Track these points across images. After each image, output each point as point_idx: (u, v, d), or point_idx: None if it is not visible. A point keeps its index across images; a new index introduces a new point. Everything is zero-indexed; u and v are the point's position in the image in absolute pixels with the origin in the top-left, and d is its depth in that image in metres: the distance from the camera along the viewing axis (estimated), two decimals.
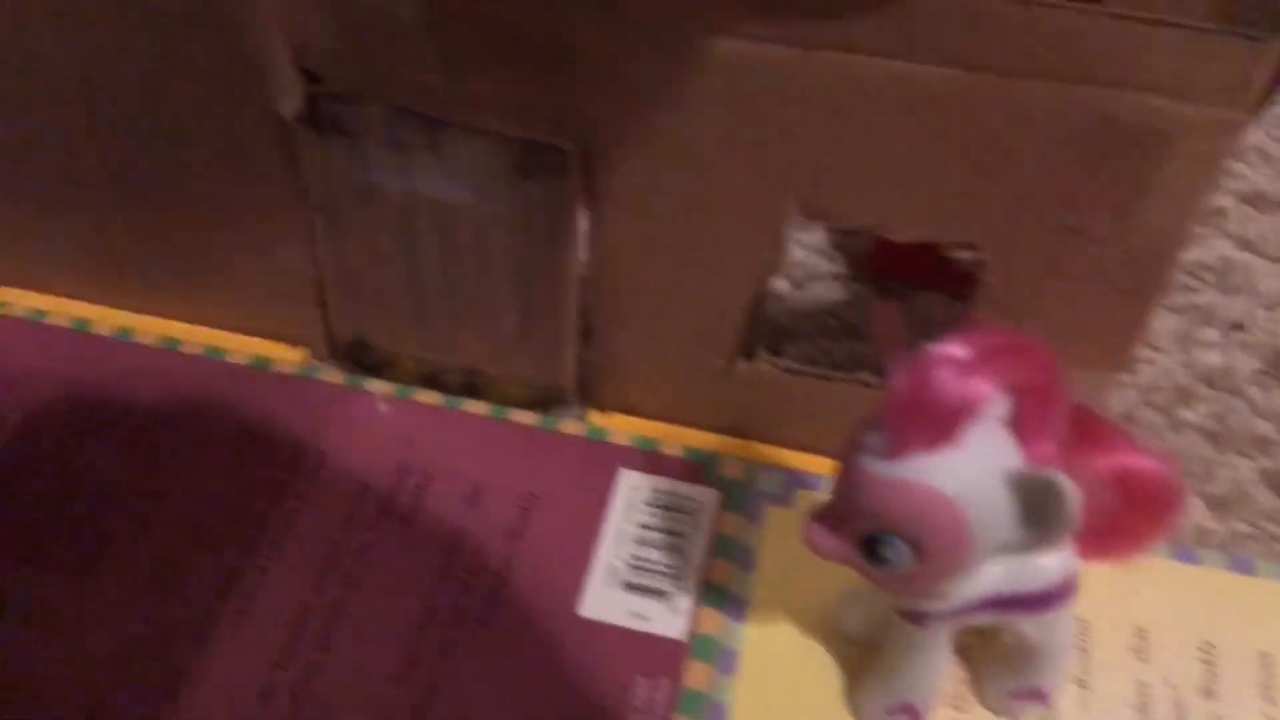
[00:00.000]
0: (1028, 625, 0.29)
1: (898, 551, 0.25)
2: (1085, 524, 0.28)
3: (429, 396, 0.38)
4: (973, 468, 0.24)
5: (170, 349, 0.39)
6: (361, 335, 0.38)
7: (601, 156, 0.31)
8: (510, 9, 0.28)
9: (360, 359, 0.39)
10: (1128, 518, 0.28)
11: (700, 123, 0.29)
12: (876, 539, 0.25)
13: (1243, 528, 0.38)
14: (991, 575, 0.27)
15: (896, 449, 0.24)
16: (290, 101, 0.32)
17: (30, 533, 0.34)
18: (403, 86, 0.30)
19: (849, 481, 0.25)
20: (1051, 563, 0.28)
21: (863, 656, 0.32)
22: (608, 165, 0.31)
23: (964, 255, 0.31)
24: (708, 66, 0.28)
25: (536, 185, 0.32)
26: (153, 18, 0.31)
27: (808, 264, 0.45)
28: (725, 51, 0.28)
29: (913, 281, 0.43)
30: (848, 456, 0.25)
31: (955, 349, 0.24)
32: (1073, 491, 0.23)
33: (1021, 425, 0.25)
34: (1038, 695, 0.32)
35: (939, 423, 0.24)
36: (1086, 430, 0.28)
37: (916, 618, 0.28)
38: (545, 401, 0.38)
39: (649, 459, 0.37)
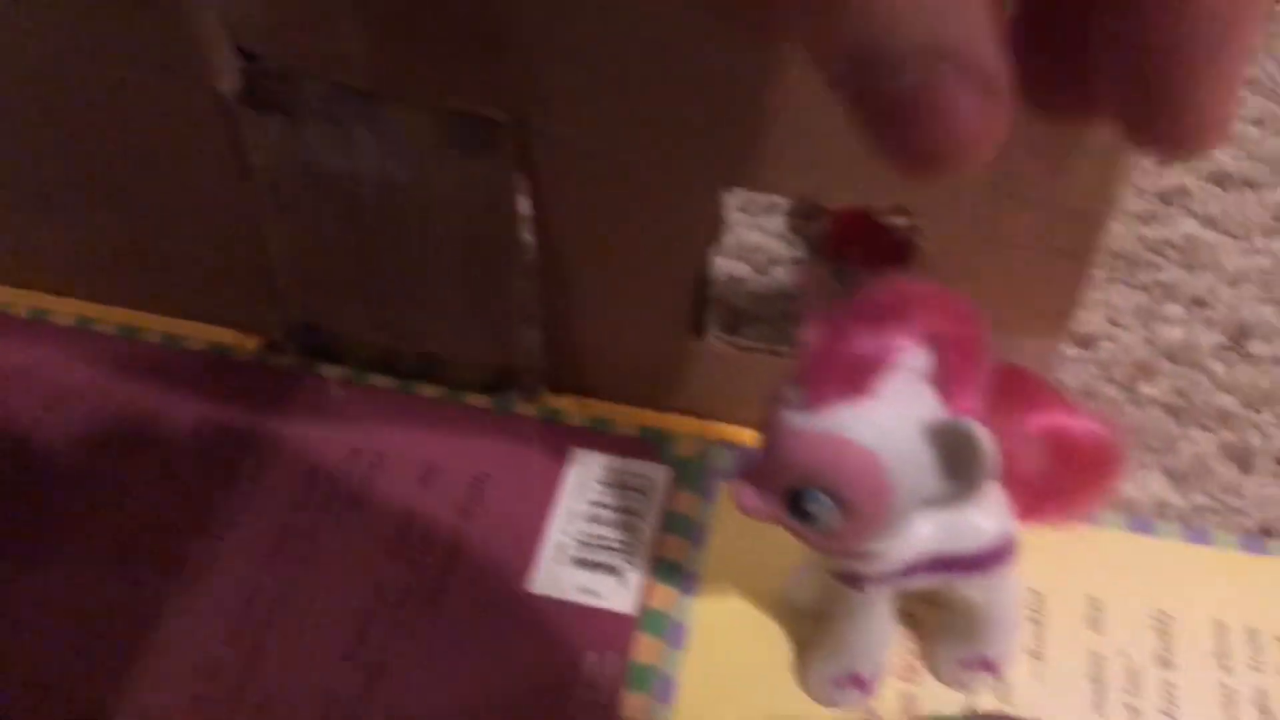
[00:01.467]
0: (970, 589, 0.29)
1: (821, 505, 0.24)
2: (1021, 484, 0.28)
3: (383, 380, 0.38)
4: (889, 418, 0.24)
5: (129, 337, 0.40)
6: (314, 320, 0.38)
7: (536, 130, 0.31)
8: None
9: (314, 344, 0.39)
10: (1062, 478, 0.28)
11: (634, 91, 0.30)
12: (800, 494, 0.25)
13: (1202, 500, 0.38)
14: (924, 535, 0.27)
15: (813, 402, 0.24)
16: (229, 80, 0.32)
17: None
18: (336, 61, 0.30)
19: (770, 437, 0.25)
20: (986, 523, 0.28)
21: (813, 630, 0.32)
22: (542, 139, 0.31)
23: (900, 222, 0.31)
24: (635, 32, 0.28)
25: (474, 161, 0.32)
26: None
27: (768, 248, 0.45)
28: (649, 13, 0.28)
29: (870, 263, 0.43)
30: (770, 413, 0.25)
31: (869, 301, 0.24)
32: (988, 439, 0.23)
33: (943, 378, 0.25)
34: (987, 665, 0.31)
35: (853, 374, 0.24)
36: (1021, 390, 0.28)
37: (854, 581, 0.28)
38: (499, 384, 0.38)
39: (602, 439, 0.37)
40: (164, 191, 0.36)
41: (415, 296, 0.36)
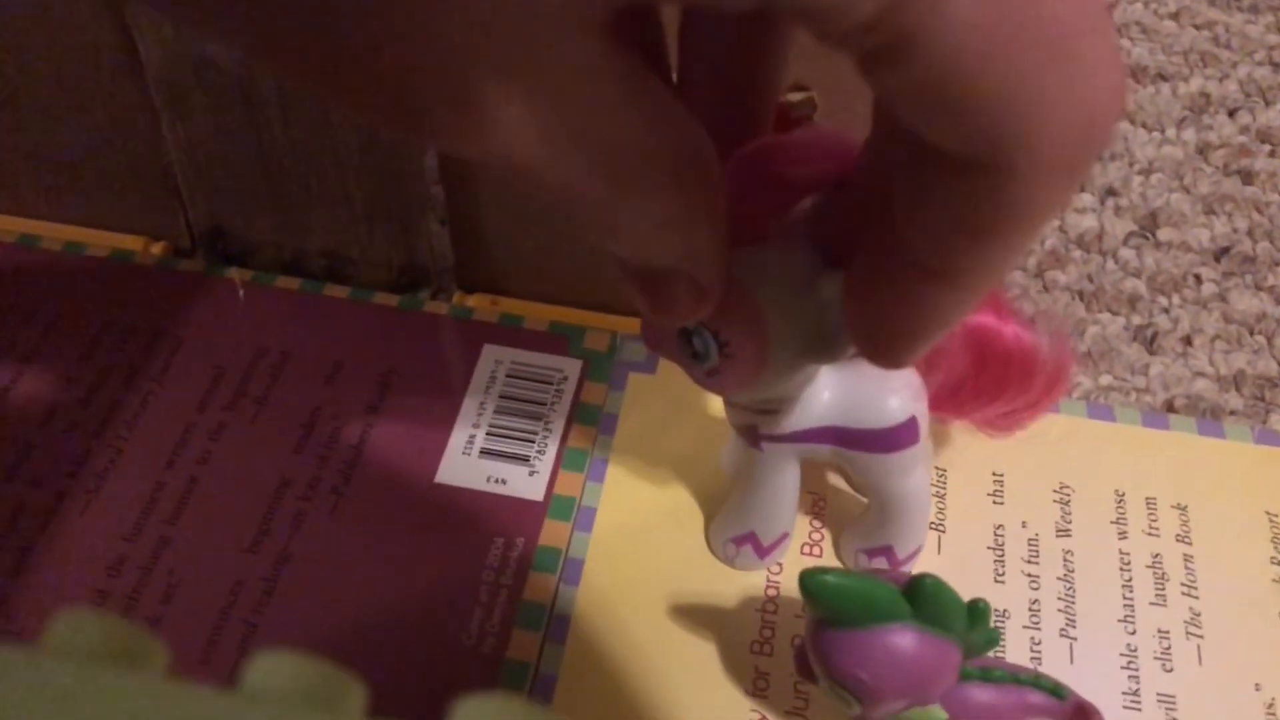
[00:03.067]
0: (871, 470, 0.29)
1: (704, 342, 0.24)
2: (935, 378, 0.28)
3: (289, 282, 0.38)
4: (773, 264, 0.24)
5: (28, 245, 0.39)
6: (219, 223, 0.38)
7: None
8: None
9: (221, 248, 0.39)
10: (980, 377, 0.28)
11: None
12: (689, 332, 0.25)
13: (1109, 380, 0.38)
14: (823, 402, 0.27)
15: None
16: None
17: None
18: None
19: None
20: (893, 402, 0.28)
21: (716, 508, 0.32)
22: None
23: (797, 97, 0.31)
24: None
25: None
26: None
27: None
28: None
29: None
30: None
31: (770, 144, 0.24)
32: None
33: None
34: (888, 555, 0.31)
35: (742, 218, 0.24)
36: None
37: (754, 438, 0.28)
38: (408, 283, 0.38)
39: (513, 334, 0.37)
40: (55, 92, 0.35)
41: (319, 194, 0.36)
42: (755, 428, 0.28)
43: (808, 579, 0.24)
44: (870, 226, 0.20)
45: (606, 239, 0.18)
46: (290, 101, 0.33)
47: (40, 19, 0.33)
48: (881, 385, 0.28)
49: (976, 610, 0.25)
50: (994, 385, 0.28)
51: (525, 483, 0.33)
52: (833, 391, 0.28)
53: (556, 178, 0.16)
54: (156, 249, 0.39)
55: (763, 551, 0.31)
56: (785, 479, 0.30)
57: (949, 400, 0.29)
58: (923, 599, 0.24)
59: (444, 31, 0.13)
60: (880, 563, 0.31)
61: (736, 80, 0.21)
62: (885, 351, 0.20)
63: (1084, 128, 0.15)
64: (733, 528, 0.31)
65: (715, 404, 0.35)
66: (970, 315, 0.27)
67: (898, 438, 0.28)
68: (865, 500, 0.31)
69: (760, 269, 0.24)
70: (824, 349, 0.24)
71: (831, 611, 0.25)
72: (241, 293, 0.38)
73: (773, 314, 0.24)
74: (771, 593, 0.31)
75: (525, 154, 0.15)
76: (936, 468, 0.34)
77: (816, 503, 0.33)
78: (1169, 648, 0.31)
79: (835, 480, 0.33)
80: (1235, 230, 0.42)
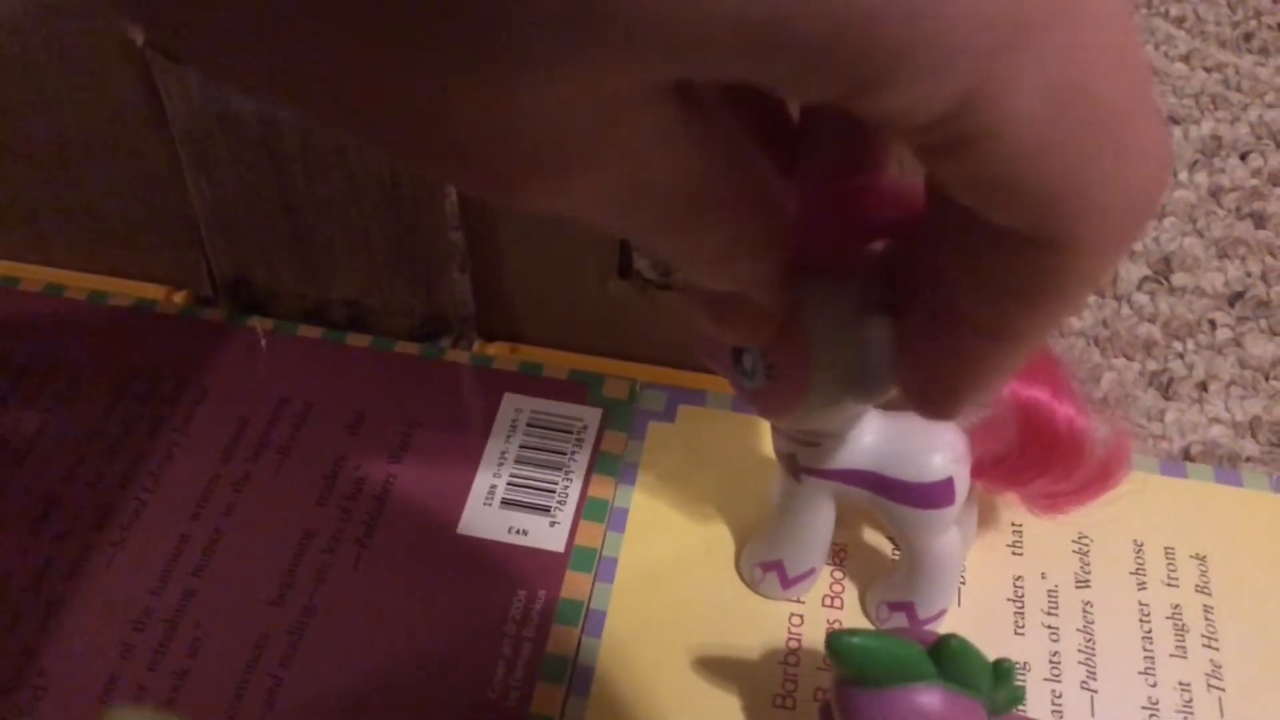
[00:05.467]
0: (905, 521, 0.29)
1: (752, 362, 0.25)
2: (985, 446, 0.29)
3: (311, 331, 0.38)
4: (828, 296, 0.24)
5: (54, 295, 0.39)
6: (242, 273, 0.38)
7: None
8: None
9: (243, 297, 0.39)
10: (1025, 450, 0.29)
11: None
12: (741, 349, 0.25)
13: (1125, 427, 0.38)
14: (865, 445, 0.28)
15: None
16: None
17: None
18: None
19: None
20: (935, 459, 0.28)
21: (738, 556, 0.33)
22: None
23: None
24: None
25: None
26: None
27: None
28: None
29: None
30: None
31: (845, 187, 0.24)
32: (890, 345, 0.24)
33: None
34: (909, 611, 0.31)
35: (803, 248, 0.24)
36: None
37: (793, 468, 0.29)
38: (429, 332, 0.38)
39: (533, 383, 0.37)
40: (85, 147, 0.36)
41: (341, 246, 0.36)
42: (796, 458, 0.28)
43: (835, 640, 0.24)
44: (927, 278, 0.20)
45: (673, 262, 0.19)
46: (313, 155, 0.34)
47: (68, 75, 0.34)
48: (926, 441, 0.28)
49: (1001, 670, 0.25)
50: (1038, 462, 0.29)
51: (546, 533, 0.34)
52: (876, 437, 0.28)
53: (630, 224, 0.16)
54: (179, 298, 0.39)
55: (787, 582, 0.31)
56: (820, 514, 0.30)
57: (993, 470, 0.29)
58: (949, 659, 0.25)
59: (532, 114, 0.13)
60: (900, 618, 0.31)
61: (845, 133, 0.22)
62: (931, 400, 0.20)
63: (1135, 204, 0.15)
64: (762, 553, 0.32)
65: (735, 454, 0.35)
66: (1026, 388, 0.28)
67: (934, 495, 0.28)
68: (895, 554, 0.32)
69: (814, 299, 0.24)
70: (865, 387, 0.25)
71: (858, 672, 0.25)
72: (264, 342, 0.38)
73: (819, 344, 0.24)
74: (793, 644, 0.32)
75: (601, 209, 0.16)
76: None
77: (839, 554, 0.33)
78: (1190, 700, 0.31)
79: (864, 534, 0.34)
80: (1249, 274, 0.42)
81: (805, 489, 0.29)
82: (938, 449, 0.28)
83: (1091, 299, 0.42)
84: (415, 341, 0.38)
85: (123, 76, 0.33)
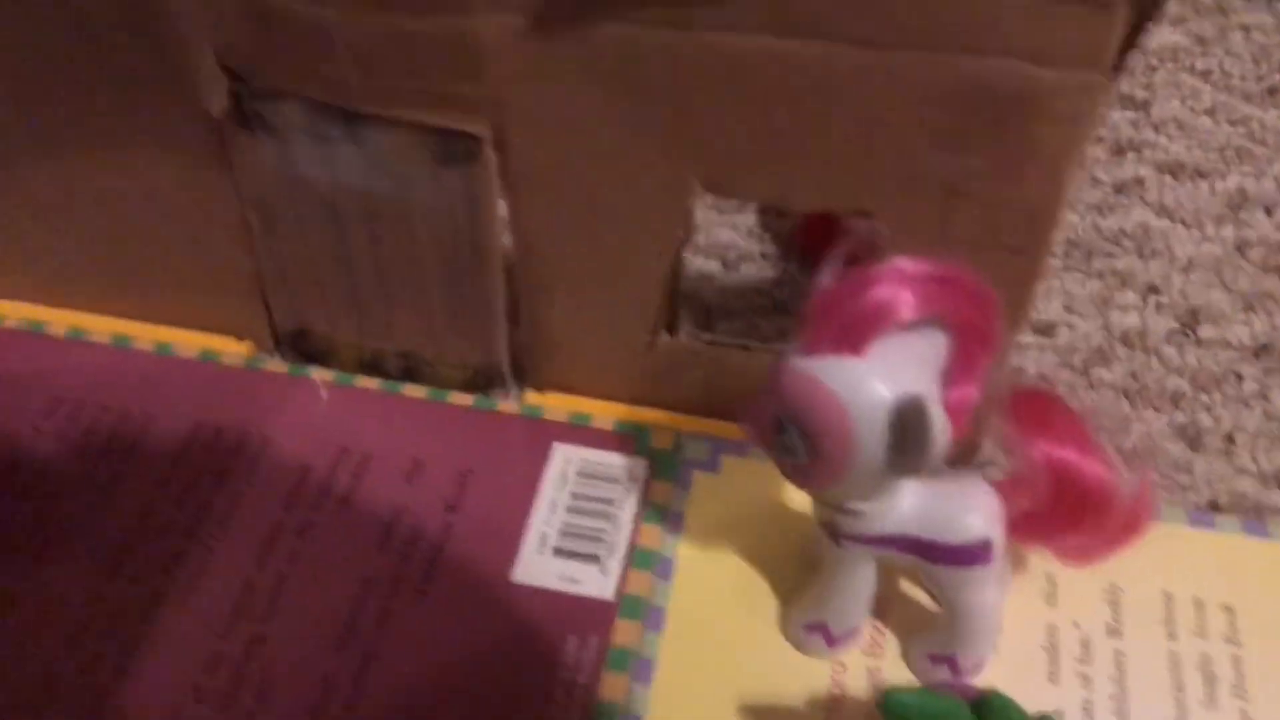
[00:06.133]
0: (944, 582, 0.31)
1: (794, 439, 0.26)
2: (1016, 504, 0.30)
3: (369, 382, 0.40)
4: (869, 381, 0.26)
5: (121, 346, 0.41)
6: (303, 325, 0.40)
7: (513, 141, 0.33)
8: (410, 5, 0.30)
9: (303, 348, 0.41)
10: (1057, 509, 0.30)
11: (600, 104, 0.31)
12: (783, 426, 0.27)
13: (1154, 478, 0.39)
14: (904, 510, 0.29)
15: (808, 346, 0.26)
16: (217, 100, 0.33)
17: None
18: (320, 82, 0.32)
19: (770, 372, 0.28)
20: (972, 521, 0.29)
21: (783, 604, 0.34)
22: (520, 149, 0.33)
23: (863, 224, 0.33)
24: (603, 51, 0.30)
25: (455, 172, 0.33)
26: (82, 23, 0.33)
27: (738, 245, 0.46)
28: (618, 36, 0.29)
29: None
30: (778, 353, 0.28)
31: (887, 265, 0.26)
32: (940, 424, 0.25)
33: (949, 360, 0.27)
34: (952, 664, 0.32)
35: (848, 331, 0.26)
36: (1046, 416, 0.30)
37: (834, 534, 0.30)
38: (482, 383, 0.40)
39: (581, 432, 0.39)
40: (155, 205, 0.37)
41: (399, 301, 0.38)
42: (837, 526, 0.30)
43: (889, 699, 0.25)
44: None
45: None
46: (375, 218, 0.35)
47: (143, 139, 0.35)
48: (962, 503, 0.29)
49: None
50: (1070, 519, 0.30)
51: (597, 581, 0.35)
52: (914, 502, 0.30)
53: None
54: (242, 348, 0.41)
55: (832, 641, 0.33)
56: (861, 577, 0.31)
57: (1026, 527, 0.30)
58: (991, 716, 0.26)
59: None
60: (943, 670, 0.32)
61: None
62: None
63: None
64: (806, 615, 0.33)
65: (779, 504, 0.37)
66: (1055, 448, 0.29)
67: (973, 555, 0.29)
68: (935, 607, 0.33)
69: (856, 382, 0.26)
70: (906, 466, 0.26)
71: None
72: (324, 393, 0.40)
73: (861, 423, 0.26)
74: (836, 692, 0.33)
75: None
76: None
77: (880, 605, 0.34)
78: None
79: (904, 586, 0.35)
80: (1275, 327, 0.44)
81: (846, 553, 0.31)
82: (974, 510, 0.30)
83: (1120, 351, 0.43)
84: (467, 392, 0.40)
85: (195, 141, 0.35)
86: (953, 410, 0.27)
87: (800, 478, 0.28)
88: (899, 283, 0.26)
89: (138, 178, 0.37)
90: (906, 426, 0.25)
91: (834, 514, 0.30)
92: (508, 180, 0.34)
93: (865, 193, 0.32)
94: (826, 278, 0.27)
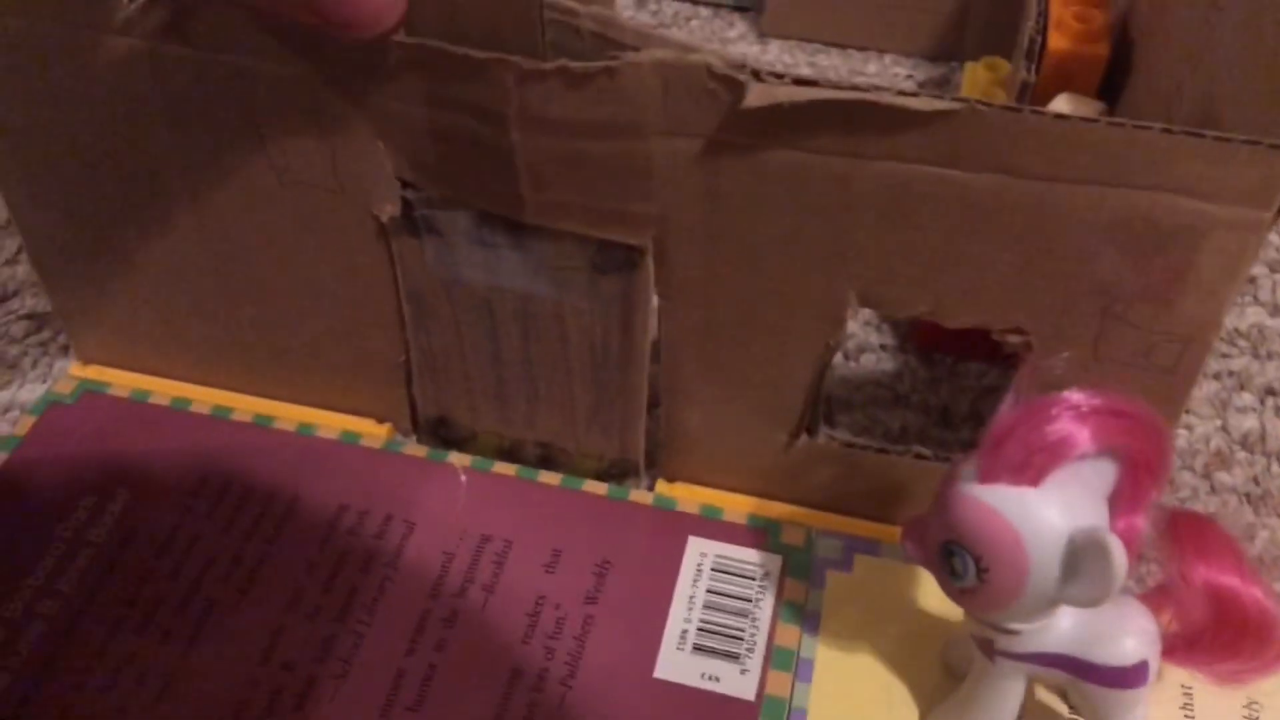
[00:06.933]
0: (1099, 700, 0.31)
1: (965, 564, 0.27)
2: (1175, 629, 0.31)
3: (506, 468, 0.41)
4: (1045, 512, 0.26)
5: (264, 425, 0.42)
6: (444, 413, 0.41)
7: (673, 253, 0.34)
8: (590, 131, 0.31)
9: (443, 434, 0.42)
10: (1216, 635, 0.30)
11: (765, 224, 0.32)
12: (952, 550, 0.27)
13: None
14: (1063, 630, 0.30)
15: (984, 474, 0.27)
16: (390, 207, 0.34)
17: (142, 602, 0.37)
18: (493, 197, 0.33)
19: (942, 493, 0.28)
20: (1131, 644, 0.30)
21: (924, 710, 0.34)
22: (678, 260, 0.34)
23: (1012, 338, 0.33)
24: (772, 176, 0.31)
25: (612, 279, 0.35)
26: (262, 133, 0.34)
27: (859, 336, 0.47)
28: (788, 162, 0.30)
29: (956, 353, 0.46)
30: (949, 473, 0.28)
31: (1067, 398, 0.27)
32: (1120, 559, 0.26)
33: (1118, 491, 0.28)
34: None
35: (1026, 461, 0.26)
36: (1203, 541, 0.30)
37: (987, 649, 0.31)
38: (616, 473, 0.41)
39: (714, 526, 0.39)
40: (312, 297, 0.39)
41: (544, 395, 0.39)
42: (993, 643, 0.30)
43: None
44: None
45: None
46: (530, 319, 0.36)
47: (309, 239, 0.37)
48: (1120, 625, 0.30)
49: None
50: (1229, 645, 0.30)
51: (737, 681, 0.36)
52: (1072, 621, 0.30)
53: None
54: (382, 430, 0.42)
55: None
56: (1011, 693, 0.32)
57: (1183, 651, 0.31)
58: None
59: None
60: None
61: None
62: None
63: None
64: None
65: (916, 606, 0.37)
66: (1215, 574, 0.30)
67: (1128, 677, 0.30)
68: (1070, 714, 0.33)
69: (1033, 513, 0.26)
70: (1081, 597, 0.27)
71: None
72: (464, 478, 0.41)
73: (1036, 554, 0.26)
74: None
75: None
76: None
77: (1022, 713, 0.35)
78: None
79: (1042, 695, 0.35)
80: None
81: (999, 669, 0.31)
82: (1132, 632, 0.30)
83: (1243, 455, 0.43)
84: (601, 480, 0.41)
85: (360, 241, 0.36)
86: (1123, 540, 0.28)
87: (969, 602, 0.29)
88: (1079, 417, 0.27)
89: (298, 273, 0.38)
90: (1092, 559, 0.26)
91: (992, 632, 0.30)
92: (662, 287, 0.35)
93: (1020, 312, 0.33)
94: (1006, 406, 0.28)
